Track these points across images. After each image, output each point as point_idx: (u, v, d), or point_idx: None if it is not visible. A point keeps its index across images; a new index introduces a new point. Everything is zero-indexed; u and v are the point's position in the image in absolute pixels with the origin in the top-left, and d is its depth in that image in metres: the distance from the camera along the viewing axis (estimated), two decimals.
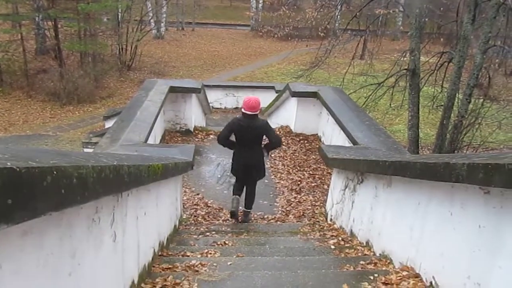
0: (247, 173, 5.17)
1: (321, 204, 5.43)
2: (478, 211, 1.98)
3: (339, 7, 13.04)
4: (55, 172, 0.90)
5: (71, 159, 1.13)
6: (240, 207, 5.07)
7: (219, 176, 6.37)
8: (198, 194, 5.72)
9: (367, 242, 3.60)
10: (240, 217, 5.07)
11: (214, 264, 2.94)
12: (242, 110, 5.00)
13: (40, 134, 15.18)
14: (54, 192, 0.92)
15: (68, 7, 19.36)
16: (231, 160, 5.34)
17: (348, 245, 3.73)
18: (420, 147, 10.95)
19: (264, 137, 5.10)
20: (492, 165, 1.66)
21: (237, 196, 5.07)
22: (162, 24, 29.57)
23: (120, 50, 22.52)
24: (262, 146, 5.19)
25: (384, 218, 3.33)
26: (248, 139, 5.02)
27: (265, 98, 11.40)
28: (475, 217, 2.01)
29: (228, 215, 5.10)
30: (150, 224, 2.92)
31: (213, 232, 4.31)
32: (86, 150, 10.17)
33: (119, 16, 23.07)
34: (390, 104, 11.58)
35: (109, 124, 11.48)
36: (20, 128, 16.03)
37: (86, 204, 1.20)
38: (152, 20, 27.86)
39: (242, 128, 4.97)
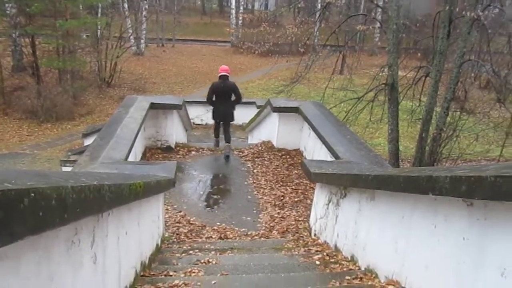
0: (223, 118, 7.90)
1: (305, 219, 5.40)
2: (462, 224, 1.99)
3: (318, 23, 13.24)
4: (32, 194, 0.86)
5: (50, 180, 1.08)
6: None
7: (201, 193, 6.31)
8: (180, 212, 5.63)
9: (352, 257, 3.58)
10: (223, 151, 7.73)
11: (198, 283, 2.87)
12: (219, 74, 7.68)
13: (17, 152, 14.84)
14: (31, 215, 0.88)
15: (46, 23, 19.17)
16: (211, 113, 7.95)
17: (333, 260, 3.71)
18: (400, 160, 11.10)
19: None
20: (474, 177, 1.68)
21: (218, 139, 8.11)
22: (142, 40, 29.52)
23: (99, 66, 22.33)
24: (231, 100, 7.76)
25: (369, 232, 3.33)
26: (223, 94, 7.66)
27: (246, 114, 11.43)
28: (459, 229, 2.01)
29: (211, 232, 5.08)
30: (131, 244, 2.85)
31: (196, 250, 4.23)
32: (64, 168, 9.96)
33: (99, 33, 22.94)
34: (370, 118, 11.72)
35: (88, 141, 11.30)
36: None
37: (65, 226, 1.15)
38: (131, 37, 27.79)
39: (219, 87, 7.66)
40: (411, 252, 2.59)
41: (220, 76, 7.66)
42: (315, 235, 4.79)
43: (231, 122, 8.14)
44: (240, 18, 33.88)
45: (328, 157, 5.75)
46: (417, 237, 2.52)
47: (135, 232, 2.97)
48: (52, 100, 17.75)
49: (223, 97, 7.67)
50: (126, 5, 27.34)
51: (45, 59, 19.76)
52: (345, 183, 3.70)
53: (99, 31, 22.93)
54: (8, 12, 19.96)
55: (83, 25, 20.86)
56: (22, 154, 14.64)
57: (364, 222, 3.43)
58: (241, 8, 36.00)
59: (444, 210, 2.18)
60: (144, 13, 28.37)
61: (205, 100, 8.07)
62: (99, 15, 24.49)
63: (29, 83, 19.57)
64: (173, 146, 7.88)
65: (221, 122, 7.97)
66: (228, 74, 7.67)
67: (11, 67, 21.54)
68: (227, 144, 7.72)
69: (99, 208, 1.54)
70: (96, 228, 1.87)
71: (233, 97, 7.78)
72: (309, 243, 4.54)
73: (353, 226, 3.66)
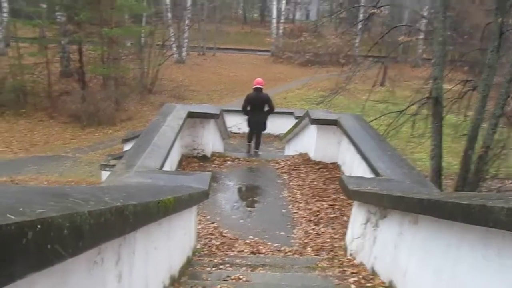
0: (256, 127, 8.61)
1: (341, 237, 5.19)
2: None
3: (360, 34, 13.00)
4: (39, 226, 0.78)
5: (66, 204, 1.00)
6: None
7: (235, 204, 6.22)
8: (213, 223, 5.56)
9: (390, 282, 3.37)
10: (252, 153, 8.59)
11: None
12: (253, 86, 8.34)
13: (60, 155, 15.33)
14: (36, 250, 0.79)
15: (93, 31, 19.88)
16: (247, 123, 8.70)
17: (369, 284, 3.51)
18: (442, 177, 10.63)
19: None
20: None
21: (250, 143, 8.82)
22: (183, 48, 30.07)
23: (142, 74, 22.87)
24: (265, 111, 8.39)
25: (410, 258, 3.11)
26: (257, 105, 8.33)
27: (284, 124, 11.31)
28: None
29: (243, 246, 4.97)
30: (160, 258, 2.77)
31: (227, 265, 4.12)
32: (104, 172, 10.16)
33: (142, 41, 23.54)
34: (412, 133, 11.30)
35: (127, 147, 11.49)
36: (41, 149, 16.24)
37: (80, 254, 1.06)
38: (174, 45, 28.36)
39: (253, 98, 8.34)
40: (457, 284, 2.38)
41: (254, 88, 8.33)
42: (351, 255, 4.58)
43: (263, 132, 9.00)
44: (281, 28, 33.96)
45: (367, 173, 5.52)
46: (465, 269, 2.31)
47: (165, 246, 2.90)
48: (95, 105, 18.31)
49: (257, 108, 8.37)
50: (169, 14, 27.96)
51: (91, 65, 20.47)
52: (385, 204, 3.50)
53: (142, 39, 23.56)
54: (58, 20, 20.84)
55: (128, 33, 21.50)
56: (64, 157, 15.12)
57: (405, 247, 3.21)
58: (282, 18, 36.01)
59: (498, 242, 1.97)
60: (186, 22, 28.94)
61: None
62: (143, 23, 25.18)
63: (74, 88, 20.32)
64: (209, 155, 7.85)
65: (254, 131, 8.74)
66: (262, 87, 8.34)
67: (59, 73, 22.44)
68: (255, 150, 8.77)
69: (122, 230, 1.46)
70: (122, 246, 1.79)
71: (266, 108, 8.45)
72: (344, 264, 4.34)
73: (392, 250, 3.44)
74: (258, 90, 8.32)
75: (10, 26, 23.43)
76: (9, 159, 14.79)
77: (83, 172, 13.26)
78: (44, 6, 20.82)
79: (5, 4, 25.54)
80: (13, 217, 0.73)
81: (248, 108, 8.41)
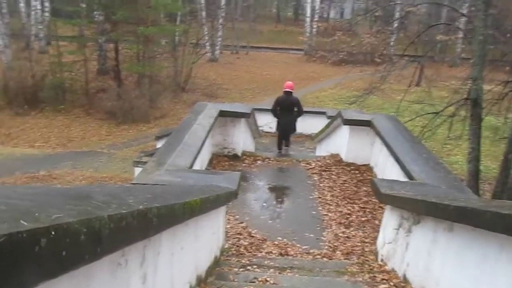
0: (285, 129, 8.73)
1: (371, 241, 5.07)
2: None
3: (395, 33, 12.68)
4: (53, 233, 0.76)
5: (85, 208, 0.98)
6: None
7: (264, 204, 6.17)
8: (242, 223, 5.53)
9: None
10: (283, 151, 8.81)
11: None
12: (284, 89, 8.52)
13: (96, 151, 15.73)
14: (50, 257, 0.77)
15: (129, 30, 20.29)
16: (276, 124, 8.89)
17: None
18: (480, 181, 10.23)
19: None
20: None
21: (280, 148, 8.91)
22: (217, 47, 30.26)
23: (176, 72, 23.17)
24: (294, 114, 8.51)
25: (444, 267, 2.98)
26: (286, 107, 8.47)
27: (316, 124, 11.19)
28: None
29: (272, 247, 4.92)
30: (187, 259, 2.76)
31: (255, 266, 4.08)
32: (136, 169, 10.33)
33: (176, 39, 23.85)
34: (448, 135, 10.94)
35: (160, 144, 11.66)
36: (77, 145, 16.72)
37: (99, 260, 1.04)
38: (207, 44, 28.59)
39: (283, 101, 8.48)
40: None
41: (284, 91, 8.51)
42: (382, 260, 4.45)
43: (293, 134, 9.20)
44: (315, 26, 33.65)
45: (401, 176, 5.36)
46: (504, 282, 2.18)
47: (192, 246, 2.89)
48: (130, 103, 18.69)
49: (287, 111, 8.52)
50: (204, 13, 28.21)
51: (126, 63, 20.91)
52: (419, 210, 3.37)
53: (177, 37, 23.85)
54: (96, 19, 21.41)
55: (163, 32, 21.83)
56: (99, 153, 15.49)
57: (439, 255, 3.08)
58: (316, 16, 35.68)
59: None
60: (220, 20, 29.11)
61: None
62: (177, 22, 25.50)
63: (110, 86, 20.81)
64: (239, 154, 7.85)
65: (283, 134, 8.87)
66: (292, 90, 8.57)
67: (96, 70, 23.05)
68: (286, 147, 8.99)
69: (145, 234, 1.43)
70: (147, 247, 1.77)
71: (295, 111, 8.59)
72: (375, 269, 4.22)
73: (425, 257, 3.31)
74: (288, 93, 8.48)
75: (51, 25, 24.22)
76: (47, 153, 15.29)
77: (117, 168, 13.54)
78: (83, 5, 21.44)
79: (47, 4, 26.46)
80: (26, 223, 0.71)
81: (278, 111, 8.60)
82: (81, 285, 1.14)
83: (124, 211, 1.11)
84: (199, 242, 3.14)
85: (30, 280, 0.72)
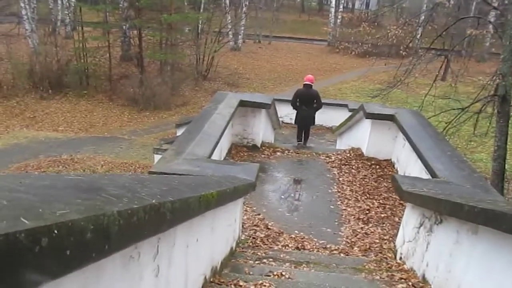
0: (304, 122, 8.69)
1: (390, 239, 4.97)
2: None
3: (423, 25, 12.35)
4: (55, 231, 0.71)
5: (94, 202, 0.94)
6: None
7: (282, 196, 6.12)
8: (259, 215, 5.49)
9: None
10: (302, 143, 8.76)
11: None
12: (304, 82, 8.51)
13: (117, 137, 15.90)
14: (53, 257, 0.72)
15: (153, 17, 20.33)
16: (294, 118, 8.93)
17: None
18: (505, 180, 9.93)
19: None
20: None
21: (299, 140, 8.80)
22: (239, 36, 30.11)
23: (198, 60, 23.16)
24: (313, 107, 8.48)
25: (467, 270, 2.88)
26: (305, 100, 8.47)
27: (337, 116, 11.04)
28: None
29: (288, 241, 4.88)
30: (202, 251, 2.73)
31: (271, 259, 4.04)
32: (156, 156, 10.40)
33: (199, 27, 23.79)
34: (474, 132, 10.64)
35: (180, 131, 11.71)
36: (99, 130, 16.93)
37: (108, 257, 0.99)
38: (230, 32, 28.46)
39: (303, 94, 8.47)
40: None
41: (304, 85, 8.48)
42: (400, 258, 4.36)
43: (312, 126, 9.14)
44: (339, 17, 33.13)
45: (423, 173, 5.23)
46: None
47: (208, 238, 2.85)
48: (152, 90, 18.78)
49: (306, 103, 8.51)
50: (227, 1, 28.05)
51: (149, 50, 20.98)
52: (442, 209, 3.26)
53: (200, 25, 23.78)
54: (120, 5, 21.51)
55: (186, 19, 21.77)
56: (120, 138, 15.66)
57: (461, 257, 2.98)
58: (341, 6, 35.13)
59: None
60: (244, 9, 28.91)
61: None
62: (201, 10, 25.42)
63: (133, 72, 20.95)
64: (259, 145, 7.79)
65: (302, 127, 8.84)
66: (312, 84, 8.50)
67: (119, 57, 23.22)
68: (303, 145, 8.82)
69: (157, 229, 1.39)
70: (161, 240, 1.74)
71: (314, 104, 8.58)
72: (393, 268, 4.13)
73: (447, 259, 3.21)
74: (307, 86, 8.43)
75: (77, 10, 24.46)
76: (70, 137, 15.54)
77: (137, 154, 13.67)
78: None
79: None
80: (26, 221, 0.66)
81: (297, 104, 8.59)
82: (90, 279, 1.10)
83: (135, 206, 1.06)
84: (215, 234, 3.11)
85: (30, 281, 0.68)
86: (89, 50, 20.80)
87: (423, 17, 13.06)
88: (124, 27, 22.21)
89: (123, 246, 1.07)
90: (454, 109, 10.30)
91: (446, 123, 10.31)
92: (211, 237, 2.99)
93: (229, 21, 28.08)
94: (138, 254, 1.50)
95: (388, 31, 11.07)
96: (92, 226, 0.83)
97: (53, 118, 17.93)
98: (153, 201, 1.22)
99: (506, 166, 9.91)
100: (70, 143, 14.59)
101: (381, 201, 5.96)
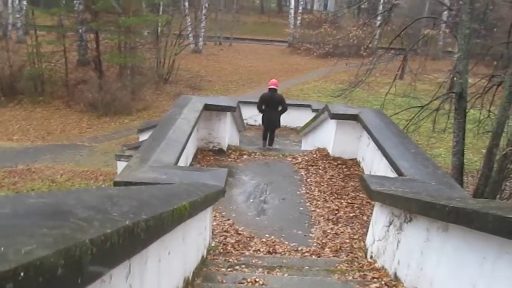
0: (270, 125, 8.86)
1: (360, 238, 5.01)
2: None
3: (381, 26, 12.63)
4: (22, 274, 0.62)
5: (63, 231, 0.84)
6: None
7: (251, 200, 6.06)
8: (228, 220, 5.41)
9: None
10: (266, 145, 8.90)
11: None
12: (268, 87, 8.60)
13: (76, 144, 15.37)
14: None
15: (110, 20, 19.82)
16: (261, 122, 9.08)
17: None
18: (464, 174, 10.29)
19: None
20: None
21: (265, 141, 8.98)
22: (200, 38, 29.87)
23: (158, 63, 22.78)
24: (278, 110, 8.68)
25: (438, 267, 2.92)
26: (271, 104, 8.63)
27: (300, 117, 11.11)
28: None
29: (260, 245, 4.82)
30: (174, 263, 2.63)
31: (243, 266, 3.97)
32: (119, 163, 10.11)
33: (159, 30, 23.41)
34: (433, 129, 10.97)
35: (143, 137, 11.44)
36: (57, 138, 16.31)
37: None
38: (190, 35, 28.17)
39: (268, 97, 8.61)
40: None
41: (269, 89, 8.62)
42: (371, 257, 4.39)
43: (277, 129, 9.34)
44: (299, 18, 33.48)
45: (389, 171, 5.31)
46: (504, 287, 2.12)
47: (179, 250, 2.75)
48: (111, 95, 18.29)
49: (271, 107, 8.68)
50: (186, 3, 27.77)
51: (108, 54, 20.43)
52: (412, 208, 3.30)
53: (159, 28, 23.41)
54: (76, 8, 20.84)
55: (145, 22, 21.37)
56: (80, 146, 15.15)
57: (432, 255, 3.02)
58: (300, 8, 35.50)
59: None
60: (203, 11, 28.69)
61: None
62: (160, 12, 25.03)
63: (91, 77, 20.32)
64: (225, 149, 7.71)
65: (268, 129, 9.02)
66: (276, 88, 8.66)
67: (76, 61, 22.48)
68: (269, 146, 8.98)
69: (131, 251, 1.30)
70: (132, 259, 1.64)
71: (280, 108, 8.77)
72: (365, 267, 4.16)
73: (418, 257, 3.25)
74: (273, 90, 8.59)
75: (29, 13, 23.51)
76: (26, 147, 14.89)
77: (98, 161, 13.25)
78: None
79: None
80: None
81: (263, 108, 8.78)
82: None
83: (108, 231, 0.97)
84: (186, 245, 3.01)
85: None
86: (43, 55, 20.01)
87: (380, 17, 13.37)
88: (80, 30, 21.51)
89: (96, 276, 0.97)
90: (413, 107, 10.58)
91: (406, 120, 10.58)
92: (183, 248, 2.89)
93: (189, 24, 27.80)
94: (110, 276, 1.40)
95: (349, 32, 11.25)
96: (63, 261, 0.74)
97: (7, 126, 17.12)
98: (127, 222, 1.13)
99: (464, 161, 10.28)
100: (26, 152, 13.98)
101: (349, 200, 6.01)
